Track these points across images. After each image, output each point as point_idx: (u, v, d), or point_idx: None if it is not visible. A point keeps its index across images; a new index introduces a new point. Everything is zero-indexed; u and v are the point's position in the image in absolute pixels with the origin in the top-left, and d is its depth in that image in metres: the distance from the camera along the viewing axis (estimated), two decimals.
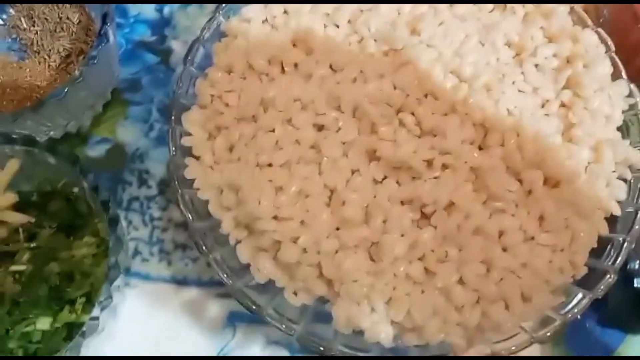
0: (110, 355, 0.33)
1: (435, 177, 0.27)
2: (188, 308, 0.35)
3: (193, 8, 0.43)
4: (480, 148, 0.28)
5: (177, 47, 0.41)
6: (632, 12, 0.35)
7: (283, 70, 0.30)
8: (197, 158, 0.29)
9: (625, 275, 0.36)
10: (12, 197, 0.31)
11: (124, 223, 0.36)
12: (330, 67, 0.30)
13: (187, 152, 0.30)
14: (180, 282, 0.35)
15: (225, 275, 0.27)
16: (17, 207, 0.31)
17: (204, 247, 0.27)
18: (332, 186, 0.27)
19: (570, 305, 0.27)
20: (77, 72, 0.32)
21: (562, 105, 0.30)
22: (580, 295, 0.27)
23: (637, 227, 0.28)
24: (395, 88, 0.29)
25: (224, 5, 0.33)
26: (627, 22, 0.36)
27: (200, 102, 0.30)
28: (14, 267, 0.29)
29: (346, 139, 0.28)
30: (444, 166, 0.27)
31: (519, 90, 0.30)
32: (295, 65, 0.30)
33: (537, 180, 0.27)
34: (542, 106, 0.30)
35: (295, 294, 0.28)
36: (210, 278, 0.35)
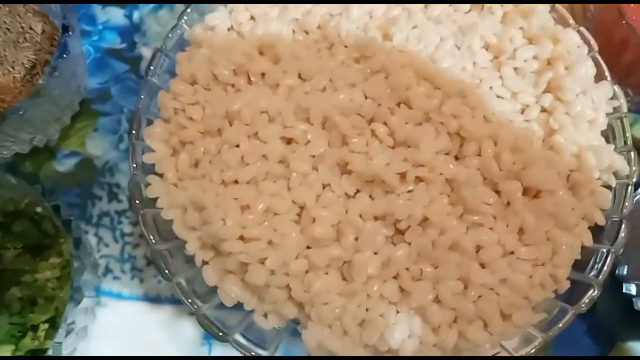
0: None
1: (409, 191, 0.26)
2: (162, 327, 0.33)
3: (164, 12, 0.41)
4: (456, 158, 0.27)
5: (148, 54, 0.39)
6: (617, 8, 0.33)
7: (249, 81, 0.29)
8: (161, 175, 0.28)
9: (614, 281, 0.34)
10: None
11: (94, 240, 0.35)
12: (299, 76, 0.28)
13: (151, 169, 0.28)
14: (154, 300, 0.34)
15: (189, 301, 0.26)
16: None
17: (166, 271, 0.26)
18: (302, 203, 0.26)
19: (552, 322, 0.26)
20: (39, 84, 0.31)
21: (543, 110, 0.29)
22: (563, 311, 0.26)
23: (622, 235, 0.27)
24: (366, 97, 0.27)
25: (189, 10, 0.32)
26: (612, 19, 0.34)
27: (163, 115, 0.29)
28: None
29: (316, 152, 0.27)
30: (418, 179, 0.26)
31: (497, 96, 0.28)
32: (262, 75, 0.29)
33: (516, 191, 0.26)
34: (522, 112, 0.28)
35: (265, 316, 0.27)
36: None
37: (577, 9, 0.42)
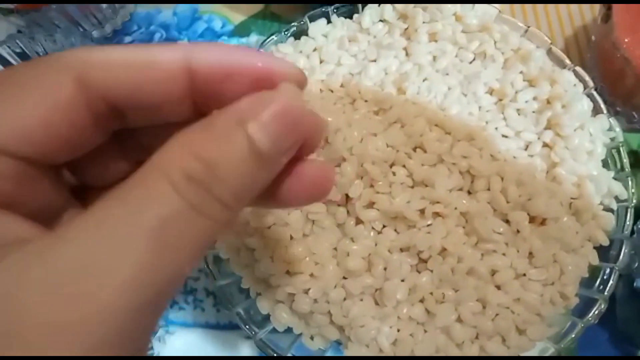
0: None
1: (429, 225, 0.30)
2: (222, 350, 0.39)
3: None
4: (469, 193, 0.31)
5: None
6: (612, 42, 0.36)
7: None
8: None
9: (633, 292, 0.37)
10: None
11: None
12: None
13: None
14: (214, 326, 0.39)
15: (247, 327, 0.31)
16: None
17: (229, 304, 0.31)
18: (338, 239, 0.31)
19: (565, 334, 0.29)
20: None
21: (545, 145, 0.32)
22: (573, 324, 0.29)
23: (624, 253, 0.30)
24: (387, 145, 0.32)
25: None
26: (609, 51, 0.37)
27: None
28: None
29: (355, 194, 0.31)
30: (436, 214, 0.30)
31: (503, 135, 0.32)
32: None
33: (523, 220, 0.29)
34: (525, 148, 0.32)
35: (312, 338, 0.31)
36: None
37: (582, 38, 0.45)
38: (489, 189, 0.30)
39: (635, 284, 0.37)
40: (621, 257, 0.30)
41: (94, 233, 0.12)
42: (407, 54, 0.35)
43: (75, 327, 0.12)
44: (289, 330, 0.31)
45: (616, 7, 0.37)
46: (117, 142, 0.17)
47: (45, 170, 0.15)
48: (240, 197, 0.14)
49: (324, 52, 0.35)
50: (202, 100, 0.16)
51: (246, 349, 0.38)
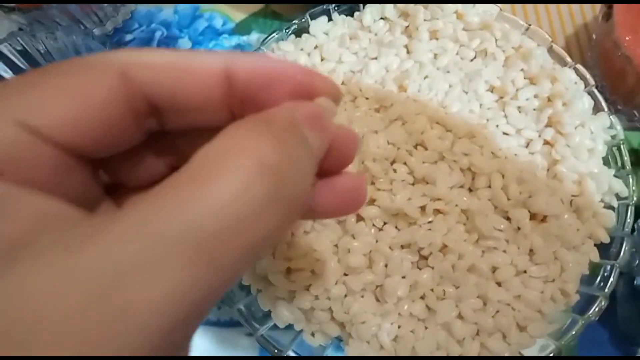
0: None
1: (429, 222, 0.30)
2: (223, 347, 0.39)
3: None
4: (470, 190, 0.31)
5: None
6: (613, 41, 0.36)
7: None
8: None
9: (634, 291, 0.37)
10: None
11: None
12: None
13: None
14: (214, 324, 0.39)
15: (248, 324, 0.31)
16: None
17: (230, 301, 0.31)
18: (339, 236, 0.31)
19: (565, 331, 0.29)
20: None
21: (546, 143, 0.32)
22: (574, 321, 0.29)
23: (624, 251, 0.30)
24: (388, 142, 0.32)
25: None
26: (610, 50, 0.37)
27: None
28: None
29: None
30: (437, 211, 0.30)
31: (504, 133, 0.32)
32: None
33: (524, 217, 0.29)
34: (526, 146, 0.32)
35: (313, 335, 0.31)
36: None
37: (583, 36, 0.45)
38: (489, 187, 0.30)
39: (635, 282, 0.37)
40: (622, 254, 0.30)
41: (130, 236, 0.11)
42: (408, 52, 0.35)
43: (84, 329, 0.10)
44: (290, 326, 0.31)
45: (617, 6, 0.37)
46: (153, 143, 0.18)
47: (82, 163, 0.15)
48: (306, 194, 0.14)
49: (325, 50, 0.35)
50: (238, 107, 0.16)
51: (247, 346, 0.38)
